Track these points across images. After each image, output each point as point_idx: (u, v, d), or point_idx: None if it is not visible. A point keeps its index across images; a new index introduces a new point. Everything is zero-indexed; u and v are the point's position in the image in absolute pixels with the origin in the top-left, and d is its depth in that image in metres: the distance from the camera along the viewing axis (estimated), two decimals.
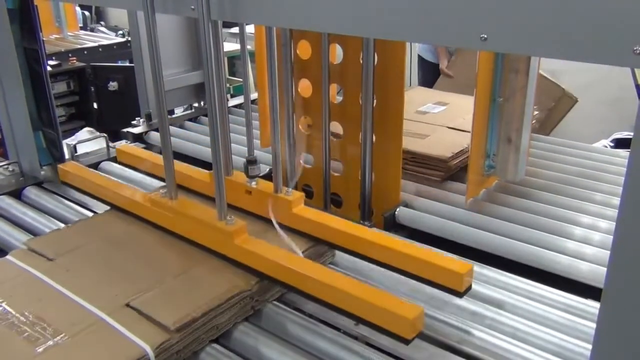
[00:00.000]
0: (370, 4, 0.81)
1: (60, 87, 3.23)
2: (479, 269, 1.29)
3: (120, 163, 1.87)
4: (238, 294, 1.13)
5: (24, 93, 1.73)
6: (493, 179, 1.75)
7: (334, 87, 1.63)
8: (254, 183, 1.37)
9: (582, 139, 2.32)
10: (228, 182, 1.30)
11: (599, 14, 0.63)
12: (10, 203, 1.68)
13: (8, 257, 1.28)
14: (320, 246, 1.30)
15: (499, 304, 1.19)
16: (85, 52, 3.74)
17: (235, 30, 4.11)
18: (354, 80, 1.54)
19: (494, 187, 1.76)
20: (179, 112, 2.59)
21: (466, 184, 1.61)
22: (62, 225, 1.52)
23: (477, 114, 1.54)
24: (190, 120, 2.47)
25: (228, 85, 3.88)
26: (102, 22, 6.04)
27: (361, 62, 1.47)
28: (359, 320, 1.08)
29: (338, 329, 1.13)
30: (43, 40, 1.69)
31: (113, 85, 3.25)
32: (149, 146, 2.18)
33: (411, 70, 4.10)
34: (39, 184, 1.79)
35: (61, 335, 1.02)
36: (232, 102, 2.65)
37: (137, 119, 2.35)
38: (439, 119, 2.04)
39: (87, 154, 2.01)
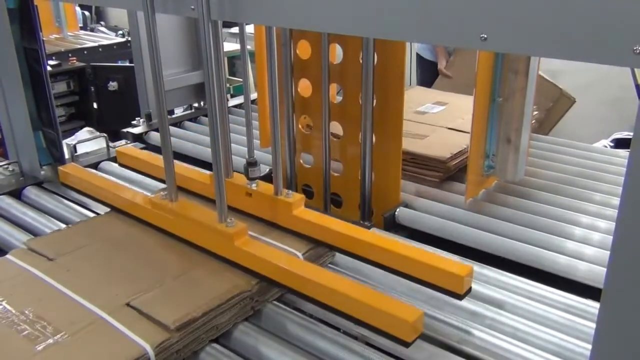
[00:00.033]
0: (370, 4, 0.81)
1: (60, 87, 3.23)
2: (479, 269, 1.30)
3: (120, 165, 1.87)
4: (238, 295, 1.13)
5: (24, 93, 1.73)
6: (492, 179, 1.76)
7: (333, 87, 1.63)
8: (254, 185, 1.37)
9: (582, 139, 2.32)
10: (228, 184, 1.29)
11: (599, 14, 0.63)
12: (10, 203, 1.68)
13: (8, 256, 1.28)
14: (320, 248, 1.30)
15: (499, 304, 1.19)
16: (85, 52, 3.75)
17: (235, 30, 4.12)
18: (353, 80, 1.54)
19: (494, 187, 1.76)
20: (179, 112, 2.59)
21: (466, 184, 1.61)
22: (62, 225, 1.52)
23: (476, 114, 1.54)
24: (190, 120, 2.46)
25: (228, 85, 3.89)
26: (102, 22, 6.04)
27: (361, 62, 1.47)
28: (359, 322, 1.08)
29: (338, 329, 1.13)
30: (43, 40, 1.69)
31: (113, 85, 3.25)
32: (148, 146, 2.17)
33: (411, 70, 4.10)
34: (39, 184, 1.79)
35: (61, 334, 1.02)
36: (232, 102, 2.65)
37: (137, 119, 2.35)
38: (438, 120, 2.04)
39: (87, 153, 2.01)
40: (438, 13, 0.75)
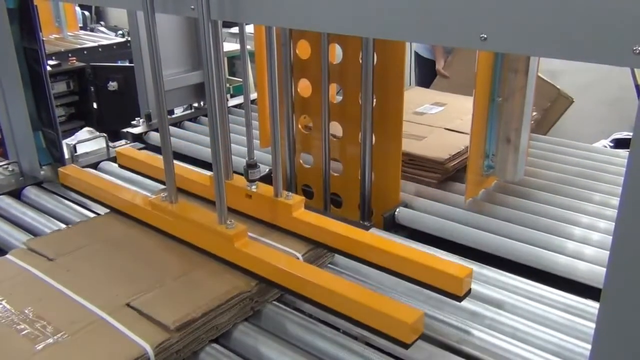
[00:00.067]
0: (370, 4, 0.81)
1: (60, 87, 3.24)
2: (479, 269, 1.30)
3: (120, 166, 1.87)
4: (238, 295, 1.13)
5: (23, 93, 1.73)
6: (492, 179, 1.76)
7: (333, 87, 1.63)
8: (254, 187, 1.37)
9: (582, 139, 2.32)
10: (228, 185, 1.29)
11: (598, 14, 0.63)
12: (10, 203, 1.68)
13: (8, 256, 1.28)
14: (320, 249, 1.30)
15: (498, 304, 1.19)
16: (85, 52, 3.75)
17: (235, 30, 4.12)
18: (353, 80, 1.54)
19: (493, 187, 1.76)
20: (178, 112, 2.59)
21: (465, 184, 1.61)
22: (62, 225, 1.52)
23: (476, 113, 1.54)
24: (190, 120, 2.46)
25: (228, 85, 3.88)
26: (102, 22, 6.04)
27: (360, 62, 1.47)
28: (358, 324, 1.08)
29: (338, 329, 1.13)
30: (43, 40, 1.69)
31: (113, 85, 3.26)
32: (148, 146, 2.17)
33: (410, 70, 4.10)
34: (39, 184, 1.79)
35: (61, 334, 1.02)
36: (232, 102, 2.65)
37: (136, 119, 2.35)
38: (436, 120, 2.03)
39: (86, 153, 2.01)
40: (438, 13, 0.75)
